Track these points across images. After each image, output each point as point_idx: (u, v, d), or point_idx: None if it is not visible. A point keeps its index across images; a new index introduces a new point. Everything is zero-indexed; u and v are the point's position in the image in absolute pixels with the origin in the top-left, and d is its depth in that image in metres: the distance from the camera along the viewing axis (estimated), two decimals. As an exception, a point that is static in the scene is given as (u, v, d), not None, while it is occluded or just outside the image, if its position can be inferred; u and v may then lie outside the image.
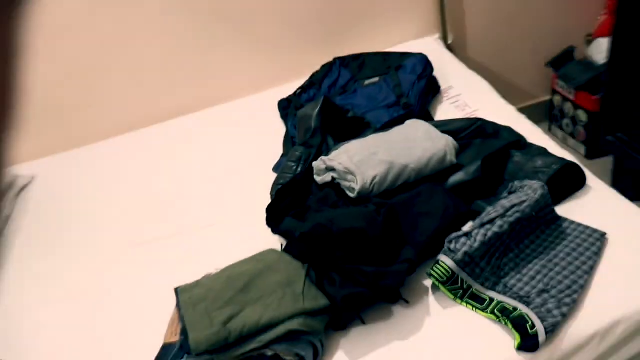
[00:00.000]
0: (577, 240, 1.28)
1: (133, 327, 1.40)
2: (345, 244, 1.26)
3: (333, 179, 1.49)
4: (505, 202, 1.29)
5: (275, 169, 1.78)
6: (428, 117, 1.85)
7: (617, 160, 2.25)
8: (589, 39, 2.49)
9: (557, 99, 2.53)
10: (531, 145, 1.56)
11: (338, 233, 1.26)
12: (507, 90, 2.15)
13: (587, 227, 1.30)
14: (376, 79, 2.02)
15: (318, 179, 1.53)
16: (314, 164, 1.55)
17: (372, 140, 1.54)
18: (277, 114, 2.07)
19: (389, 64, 2.07)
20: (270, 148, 1.89)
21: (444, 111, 1.89)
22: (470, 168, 1.48)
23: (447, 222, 1.34)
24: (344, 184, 1.46)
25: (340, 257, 1.25)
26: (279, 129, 1.98)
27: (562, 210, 1.38)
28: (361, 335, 1.22)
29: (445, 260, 1.21)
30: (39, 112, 2.15)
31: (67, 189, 2.01)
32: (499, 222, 1.25)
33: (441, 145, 1.50)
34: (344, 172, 1.45)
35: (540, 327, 1.09)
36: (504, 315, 1.14)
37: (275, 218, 1.46)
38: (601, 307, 1.16)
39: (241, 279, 1.27)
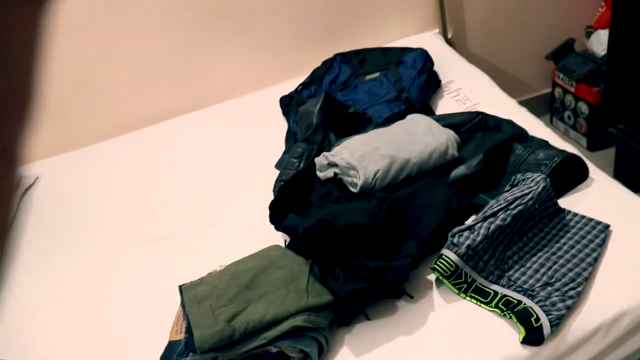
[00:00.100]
0: (580, 233, 1.28)
1: (137, 325, 1.40)
2: (348, 239, 1.26)
3: (335, 174, 1.49)
4: (507, 195, 1.29)
5: (277, 166, 1.78)
6: (429, 112, 1.85)
7: (619, 152, 2.25)
8: (589, 31, 2.48)
9: (558, 91, 2.53)
10: (533, 138, 1.56)
11: (341, 228, 1.25)
12: (507, 83, 2.15)
13: (591, 219, 1.30)
14: (377, 75, 2.01)
15: (320, 174, 1.52)
16: (316, 159, 1.55)
17: (374, 135, 1.54)
18: (279, 110, 2.07)
19: (389, 59, 2.07)
20: (273, 145, 1.89)
21: (444, 105, 1.89)
22: (472, 161, 1.48)
23: (450, 216, 1.34)
24: (346, 179, 1.46)
25: (343, 252, 1.25)
26: (281, 126, 1.98)
27: (564, 202, 1.38)
28: (365, 330, 1.22)
29: (449, 254, 1.21)
30: (43, 113, 2.14)
31: (71, 189, 2.01)
32: (502, 215, 1.24)
33: (443, 139, 1.50)
34: (346, 167, 1.45)
35: (545, 321, 1.09)
36: (509, 308, 1.14)
37: (278, 214, 1.46)
38: (606, 300, 1.16)
39: (245, 276, 1.27)
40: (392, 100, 1.87)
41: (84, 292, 1.55)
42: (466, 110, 1.79)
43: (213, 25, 2.16)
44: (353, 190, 1.44)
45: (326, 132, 1.71)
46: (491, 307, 1.17)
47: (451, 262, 1.20)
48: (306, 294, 1.20)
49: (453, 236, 1.24)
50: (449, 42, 2.35)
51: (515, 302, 1.15)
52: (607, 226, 1.28)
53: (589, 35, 2.47)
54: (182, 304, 1.27)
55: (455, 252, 1.21)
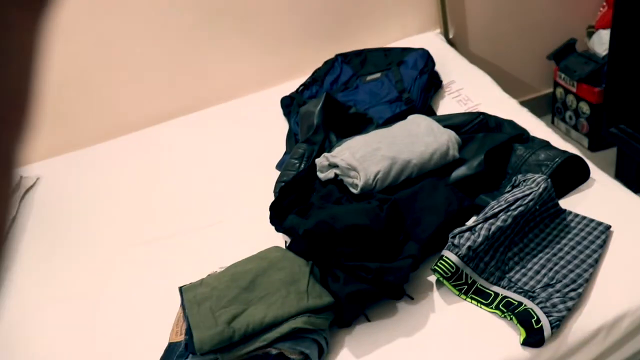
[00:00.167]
0: (581, 234, 1.27)
1: (137, 326, 1.40)
2: (348, 240, 1.26)
3: (336, 175, 1.49)
4: (508, 196, 1.29)
5: (278, 167, 1.77)
6: (430, 112, 1.85)
7: (620, 152, 2.24)
8: (590, 31, 2.48)
9: (559, 91, 2.52)
10: (534, 138, 1.56)
11: (341, 229, 1.25)
12: (509, 83, 2.14)
13: (592, 220, 1.30)
14: (378, 75, 2.01)
15: (321, 175, 1.52)
16: (317, 160, 1.54)
17: (375, 136, 1.54)
18: (280, 111, 2.07)
19: (390, 59, 2.07)
20: (273, 145, 1.89)
21: (445, 106, 1.89)
22: (473, 162, 1.48)
23: (450, 217, 1.33)
24: (347, 180, 1.46)
25: (344, 253, 1.25)
26: (282, 127, 1.98)
27: (565, 203, 1.37)
28: (366, 332, 1.21)
29: (449, 255, 1.21)
30: (43, 115, 2.15)
31: (72, 190, 2.01)
32: (502, 217, 1.24)
33: (443, 139, 1.49)
34: (346, 168, 1.45)
35: (545, 322, 1.08)
36: (509, 310, 1.14)
37: (278, 215, 1.46)
38: (607, 301, 1.16)
39: (245, 277, 1.26)
40: (393, 100, 1.87)
41: (83, 293, 1.55)
42: (467, 111, 1.78)
43: (214, 25, 2.16)
44: (354, 191, 1.44)
45: (327, 133, 1.71)
46: (492, 308, 1.17)
47: (452, 264, 1.20)
48: (306, 296, 1.19)
49: (454, 237, 1.24)
50: (451, 43, 2.35)
51: (516, 303, 1.15)
52: (608, 227, 1.27)
53: (590, 35, 2.47)
54: (182, 305, 1.27)
55: (455, 254, 1.21)
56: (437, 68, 2.01)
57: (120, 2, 2.04)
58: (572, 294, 1.14)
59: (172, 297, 1.33)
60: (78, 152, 2.20)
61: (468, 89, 1.93)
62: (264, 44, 2.24)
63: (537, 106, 2.45)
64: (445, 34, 2.36)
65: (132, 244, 1.67)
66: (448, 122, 1.62)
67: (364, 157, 1.44)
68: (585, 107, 2.39)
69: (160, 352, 1.26)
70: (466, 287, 1.21)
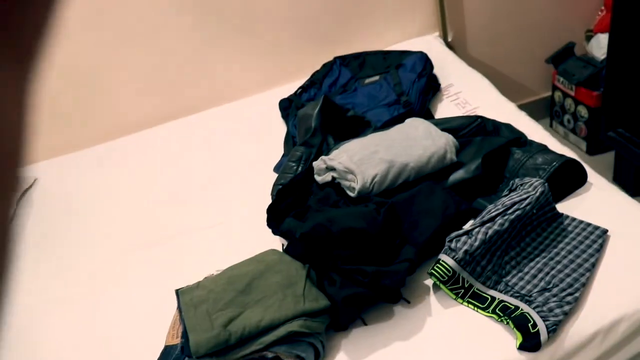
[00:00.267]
0: (578, 238, 1.27)
1: (134, 328, 1.40)
2: (345, 243, 1.25)
3: (333, 178, 1.49)
4: (505, 200, 1.29)
5: (276, 169, 1.77)
6: (428, 115, 1.85)
7: (618, 156, 2.24)
8: (589, 35, 2.48)
9: (557, 95, 2.52)
10: (532, 142, 1.56)
11: (338, 233, 1.25)
12: (507, 86, 2.14)
13: (589, 224, 1.30)
14: (376, 78, 2.01)
15: (318, 178, 1.52)
16: (314, 163, 1.54)
17: (372, 139, 1.54)
18: (278, 113, 2.07)
19: (389, 62, 2.07)
20: (271, 148, 1.89)
21: (444, 109, 1.89)
22: (470, 166, 1.48)
23: (448, 220, 1.33)
24: (344, 183, 1.46)
25: (341, 257, 1.25)
26: (280, 129, 1.98)
27: (563, 207, 1.37)
28: (362, 335, 1.21)
29: (446, 259, 1.21)
30: (41, 115, 2.15)
31: (70, 191, 2.01)
32: (499, 220, 1.24)
33: (441, 143, 1.49)
34: (344, 171, 1.45)
35: (542, 326, 1.08)
36: (506, 314, 1.14)
37: (276, 218, 1.46)
38: (603, 305, 1.15)
39: (242, 280, 1.26)
40: (391, 103, 1.87)
41: (80, 295, 1.55)
42: (465, 114, 1.78)
43: (212, 28, 2.16)
44: (351, 194, 1.44)
45: (325, 136, 1.71)
46: (488, 312, 1.17)
47: (448, 267, 1.20)
48: (303, 299, 1.19)
49: (450, 241, 1.24)
50: (449, 46, 2.35)
51: (513, 307, 1.15)
52: (605, 231, 1.27)
53: (589, 39, 2.47)
54: (179, 308, 1.27)
55: (452, 257, 1.21)
56: (436, 71, 2.01)
57: (120, 3, 2.04)
58: (569, 298, 1.13)
59: (169, 299, 1.33)
60: (76, 154, 2.20)
61: (466, 92, 1.93)
62: (263, 46, 2.24)
63: (535, 109, 2.45)
64: (444, 37, 2.36)
65: (130, 247, 1.67)
66: (446, 125, 1.62)
67: (362, 160, 1.44)
68: (583, 111, 2.39)
69: (157, 354, 1.26)
70: (463, 291, 1.21)
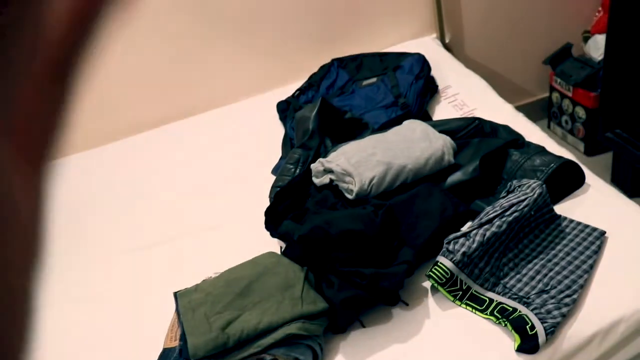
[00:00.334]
0: (576, 239, 1.27)
1: (132, 332, 1.40)
2: (343, 246, 1.25)
3: (331, 180, 1.48)
4: (503, 202, 1.29)
5: (274, 172, 1.77)
6: (426, 117, 1.85)
7: (616, 157, 2.24)
8: (586, 36, 2.48)
9: (555, 96, 2.52)
10: (529, 143, 1.56)
11: (336, 235, 1.25)
12: (505, 88, 2.15)
13: (587, 226, 1.30)
14: (374, 80, 2.01)
15: (316, 180, 1.52)
16: (312, 166, 1.54)
17: (370, 142, 1.54)
18: (276, 116, 2.07)
19: (386, 64, 2.07)
20: (269, 150, 1.89)
21: (442, 110, 1.89)
22: (468, 167, 1.48)
23: (446, 222, 1.33)
24: (342, 185, 1.46)
25: (339, 259, 1.25)
26: (278, 131, 1.98)
27: (561, 208, 1.37)
28: (360, 338, 1.21)
29: (444, 261, 1.21)
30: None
31: (67, 193, 2.00)
32: (497, 222, 1.24)
33: (439, 145, 1.49)
34: (341, 173, 1.45)
35: (540, 328, 1.08)
36: (504, 316, 1.14)
37: (274, 221, 1.45)
38: (601, 307, 1.16)
39: (240, 283, 1.26)
40: (389, 105, 1.87)
41: (78, 298, 1.54)
42: (463, 116, 1.78)
43: (210, 30, 2.16)
44: (349, 196, 1.44)
45: (322, 138, 1.71)
46: (486, 314, 1.17)
47: (446, 270, 1.20)
48: (301, 302, 1.19)
49: (448, 243, 1.24)
50: (447, 47, 2.35)
51: (511, 309, 1.15)
52: (603, 233, 1.27)
53: (586, 40, 2.47)
54: (177, 310, 1.26)
55: (450, 259, 1.21)
56: (433, 73, 2.01)
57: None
58: (567, 300, 1.13)
59: (167, 302, 1.32)
60: (74, 156, 2.19)
61: (464, 93, 1.93)
62: (260, 48, 2.24)
63: (533, 111, 2.46)
64: (442, 38, 2.37)
65: (128, 249, 1.67)
66: (443, 127, 1.62)
67: (359, 163, 1.44)
68: (581, 112, 2.39)
69: (155, 357, 1.25)
70: (461, 293, 1.21)
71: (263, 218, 1.47)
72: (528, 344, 1.08)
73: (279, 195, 1.51)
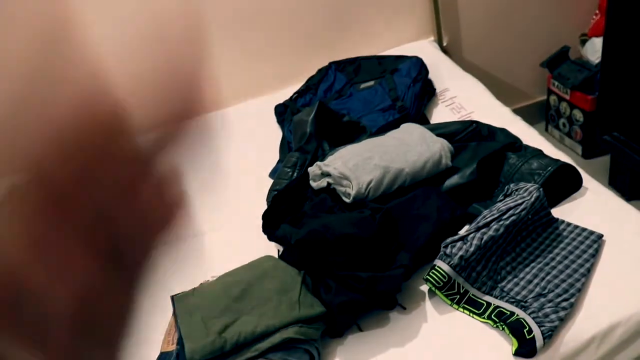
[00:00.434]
0: (574, 243, 1.27)
1: (129, 335, 1.39)
2: (340, 249, 1.25)
3: (329, 184, 1.48)
4: (501, 205, 1.28)
5: (271, 175, 1.77)
6: (424, 120, 1.85)
7: (614, 159, 2.25)
8: (584, 39, 2.48)
9: (553, 99, 2.53)
10: (527, 147, 1.56)
11: (333, 239, 1.25)
12: (503, 91, 2.15)
13: (584, 229, 1.30)
14: (371, 83, 2.01)
15: (314, 184, 1.52)
16: (310, 169, 1.54)
17: (367, 145, 1.54)
18: (274, 119, 2.07)
19: (384, 67, 2.07)
20: (267, 153, 1.88)
21: (439, 114, 1.89)
22: (465, 171, 1.48)
23: (443, 226, 1.33)
24: (340, 189, 1.46)
25: (336, 263, 1.25)
26: (276, 135, 1.98)
27: (558, 211, 1.37)
28: (358, 341, 1.21)
29: (442, 265, 1.21)
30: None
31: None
32: (494, 226, 1.24)
33: (436, 148, 1.49)
34: (339, 177, 1.45)
35: (537, 332, 1.08)
36: (501, 320, 1.14)
37: (271, 224, 1.45)
38: (599, 310, 1.15)
39: (237, 287, 1.26)
40: (386, 109, 1.87)
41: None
42: (461, 119, 1.79)
43: (208, 33, 2.16)
44: (346, 200, 1.44)
45: (320, 142, 1.70)
46: (484, 318, 1.17)
47: (444, 273, 1.20)
48: (298, 306, 1.19)
49: (446, 247, 1.24)
50: (444, 50, 2.35)
51: (508, 313, 1.15)
52: (600, 236, 1.27)
53: (583, 43, 2.48)
54: (174, 314, 1.26)
55: (447, 263, 1.20)
56: (431, 76, 2.01)
57: (114, 10, 2.03)
58: (564, 303, 1.13)
59: (165, 305, 1.32)
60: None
61: (461, 96, 1.93)
62: (259, 51, 2.24)
63: (530, 113, 2.46)
64: (439, 41, 2.37)
65: (125, 253, 1.66)
66: (441, 130, 1.62)
67: (357, 166, 1.44)
68: (578, 115, 2.39)
69: (152, 362, 1.25)
70: (458, 296, 1.21)
71: (260, 221, 1.47)
72: (525, 348, 1.08)
73: (276, 199, 1.51)
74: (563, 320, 1.12)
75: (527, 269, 1.24)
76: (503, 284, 1.23)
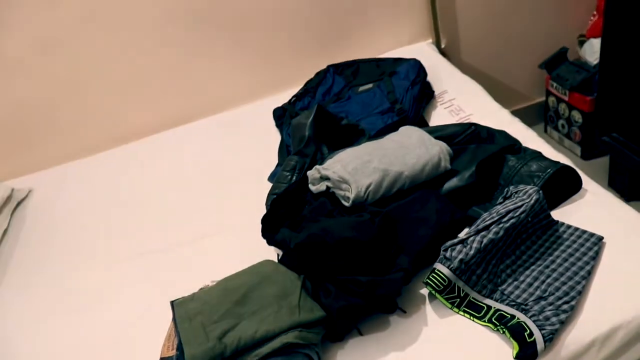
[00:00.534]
0: (574, 245, 1.27)
1: (129, 341, 1.39)
2: (340, 253, 1.25)
3: (328, 187, 1.48)
4: (500, 208, 1.28)
5: (270, 179, 1.77)
6: (422, 123, 1.85)
7: (613, 160, 2.25)
8: (582, 40, 2.49)
9: (551, 100, 2.53)
10: (526, 149, 1.56)
11: (333, 243, 1.25)
12: (501, 92, 2.15)
13: (584, 232, 1.29)
14: (370, 86, 2.01)
15: (313, 188, 1.52)
16: (308, 173, 1.54)
17: (366, 148, 1.53)
18: (272, 122, 2.07)
19: (382, 70, 2.07)
20: (266, 157, 1.88)
21: (438, 116, 1.89)
22: (464, 173, 1.48)
23: (442, 229, 1.33)
24: (339, 192, 1.46)
25: (335, 267, 1.25)
26: (274, 138, 1.98)
27: (558, 213, 1.37)
28: (358, 346, 1.21)
29: (441, 268, 1.20)
30: (35, 126, 2.15)
31: (64, 202, 2.00)
32: (494, 229, 1.24)
33: (435, 151, 1.49)
34: (338, 180, 1.45)
35: (538, 335, 1.08)
36: (502, 323, 1.13)
37: (270, 228, 1.45)
38: (600, 313, 1.15)
39: (237, 292, 1.26)
40: (385, 111, 1.86)
41: (74, 307, 1.54)
42: (459, 121, 1.78)
43: (205, 37, 2.16)
44: (345, 204, 1.43)
45: (319, 145, 1.70)
46: (484, 321, 1.16)
47: (444, 277, 1.19)
48: (298, 310, 1.19)
49: (446, 250, 1.23)
50: (442, 52, 2.35)
51: (509, 316, 1.14)
52: (600, 238, 1.27)
53: (581, 44, 2.48)
54: (174, 319, 1.26)
55: (447, 267, 1.20)
56: (429, 78, 2.01)
57: (112, 15, 2.03)
58: (565, 306, 1.13)
59: (164, 311, 1.32)
60: (70, 164, 2.19)
61: (460, 99, 1.93)
62: (256, 55, 2.24)
63: (529, 115, 2.46)
64: (437, 44, 2.37)
65: (124, 258, 1.66)
66: (440, 133, 1.62)
67: (356, 170, 1.44)
68: (577, 116, 2.39)
69: (152, 367, 1.25)
70: (458, 300, 1.21)
71: (260, 225, 1.46)
72: (526, 351, 1.07)
73: (275, 203, 1.51)
74: (564, 323, 1.12)
75: (528, 272, 1.24)
76: (503, 287, 1.22)
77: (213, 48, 2.18)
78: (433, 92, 1.99)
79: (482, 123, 1.67)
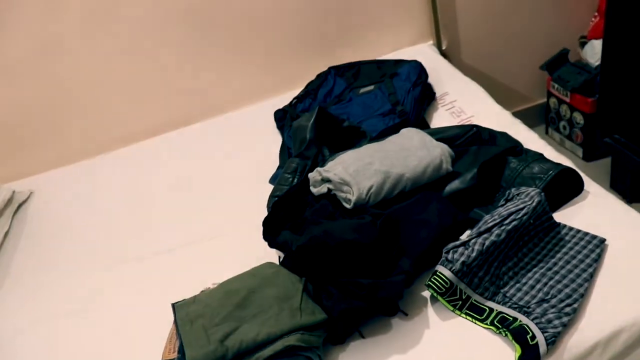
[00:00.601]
0: (576, 248, 1.27)
1: (130, 343, 1.39)
2: (341, 256, 1.25)
3: (329, 190, 1.48)
4: (502, 210, 1.28)
5: (271, 181, 1.77)
6: (424, 124, 1.85)
7: (615, 162, 2.24)
8: (583, 41, 2.48)
9: (553, 101, 2.52)
10: (528, 150, 1.55)
11: (334, 245, 1.24)
12: (502, 93, 2.14)
13: (586, 234, 1.29)
14: (371, 87, 2.01)
15: (314, 190, 1.52)
16: (310, 175, 1.54)
17: (367, 150, 1.53)
18: (274, 124, 2.07)
19: (383, 71, 2.07)
20: (267, 159, 1.88)
21: (439, 118, 1.89)
22: (466, 176, 1.47)
23: (444, 231, 1.32)
24: (340, 194, 1.45)
25: (337, 269, 1.25)
26: (275, 140, 1.97)
27: (560, 215, 1.37)
28: (360, 349, 1.20)
29: (443, 271, 1.20)
30: (36, 129, 2.15)
31: (65, 204, 2.00)
32: (496, 231, 1.23)
33: (436, 153, 1.49)
34: (339, 183, 1.44)
35: (540, 338, 1.08)
36: (504, 326, 1.13)
37: (272, 231, 1.45)
38: (603, 316, 1.14)
39: (238, 294, 1.26)
40: (386, 113, 1.86)
41: (76, 309, 1.54)
42: (461, 123, 1.78)
43: (206, 39, 2.16)
44: (347, 206, 1.43)
45: (320, 147, 1.70)
46: (486, 324, 1.16)
47: (446, 279, 1.19)
48: (299, 313, 1.18)
49: (447, 252, 1.23)
50: (443, 54, 2.35)
51: (511, 319, 1.14)
52: (602, 240, 1.27)
53: (582, 45, 2.47)
54: (175, 322, 1.26)
55: (449, 269, 1.20)
56: (430, 80, 2.01)
57: (113, 17, 2.03)
58: (568, 309, 1.13)
59: (166, 313, 1.32)
60: (71, 166, 2.19)
61: (461, 100, 1.93)
62: (257, 57, 2.24)
63: (530, 116, 2.46)
64: (438, 45, 2.37)
65: (125, 260, 1.66)
66: (441, 135, 1.62)
67: (357, 172, 1.43)
68: (579, 117, 2.39)
69: (153, 371, 1.25)
70: (460, 302, 1.20)
71: (261, 228, 1.46)
72: (529, 354, 1.07)
73: (277, 205, 1.50)
74: (566, 326, 1.11)
75: (530, 274, 1.23)
76: (505, 289, 1.22)
77: (214, 50, 2.18)
78: (434, 93, 1.99)
79: (484, 125, 1.67)
